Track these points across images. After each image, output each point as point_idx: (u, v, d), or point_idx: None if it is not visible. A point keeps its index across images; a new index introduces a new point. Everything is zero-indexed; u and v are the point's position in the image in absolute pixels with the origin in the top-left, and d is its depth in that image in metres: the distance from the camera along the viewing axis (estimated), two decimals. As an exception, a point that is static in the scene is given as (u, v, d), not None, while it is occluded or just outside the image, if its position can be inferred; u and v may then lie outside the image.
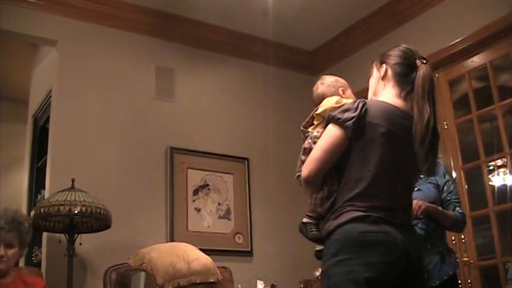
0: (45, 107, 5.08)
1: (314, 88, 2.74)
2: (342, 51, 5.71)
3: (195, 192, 5.01)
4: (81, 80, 4.74)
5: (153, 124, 4.98)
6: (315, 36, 5.75)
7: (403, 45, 2.45)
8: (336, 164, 2.28)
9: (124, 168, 4.73)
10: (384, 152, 2.21)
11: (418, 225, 2.95)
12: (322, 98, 2.63)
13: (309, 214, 2.36)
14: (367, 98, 2.40)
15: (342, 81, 2.73)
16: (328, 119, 2.33)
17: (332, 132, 2.26)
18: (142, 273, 3.72)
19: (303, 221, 2.37)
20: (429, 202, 3.00)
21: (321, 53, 5.98)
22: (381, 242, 2.10)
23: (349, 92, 2.70)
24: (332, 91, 2.66)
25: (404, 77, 2.36)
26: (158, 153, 4.93)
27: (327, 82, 2.72)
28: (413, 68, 2.35)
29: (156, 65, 5.14)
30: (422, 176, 3.03)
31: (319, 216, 2.34)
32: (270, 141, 5.56)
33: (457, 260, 3.23)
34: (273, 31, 5.50)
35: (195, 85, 5.34)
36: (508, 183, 4.94)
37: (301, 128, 2.61)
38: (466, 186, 4.53)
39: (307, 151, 2.39)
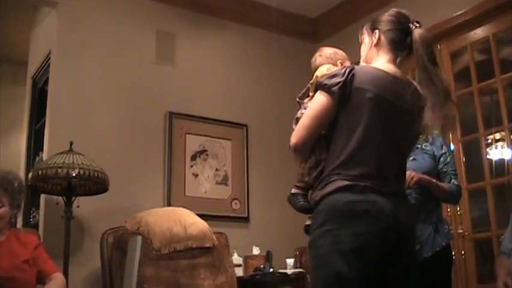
0: (45, 68, 5.05)
1: (312, 60, 2.71)
2: (345, 19, 5.63)
3: (193, 157, 5.02)
4: (80, 42, 4.70)
5: (152, 88, 4.96)
6: (317, 3, 5.70)
7: (394, 10, 2.39)
8: (325, 131, 2.27)
9: (123, 132, 4.73)
10: (371, 117, 2.17)
11: (412, 195, 2.92)
12: (318, 68, 2.61)
13: (297, 184, 2.36)
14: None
15: (340, 53, 2.70)
16: (316, 86, 2.31)
17: (319, 99, 2.24)
18: (139, 237, 3.75)
19: (292, 191, 2.37)
20: (424, 173, 2.97)
21: (323, 20, 5.92)
22: (367, 212, 2.08)
23: (347, 64, 2.66)
24: (330, 63, 2.63)
25: (399, 43, 2.32)
26: (157, 118, 4.93)
27: (325, 54, 2.69)
28: (407, 32, 2.30)
29: (157, 29, 5.10)
30: (419, 145, 3.03)
31: (308, 186, 2.33)
32: (270, 108, 5.55)
33: (451, 231, 3.22)
34: (276, -3, 5.47)
35: (195, 50, 5.30)
36: (506, 157, 4.94)
37: (297, 99, 2.59)
38: (464, 159, 4.54)
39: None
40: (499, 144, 5.77)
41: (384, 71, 2.27)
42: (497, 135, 5.45)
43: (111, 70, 4.79)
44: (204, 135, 5.11)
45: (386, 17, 2.37)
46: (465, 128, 4.62)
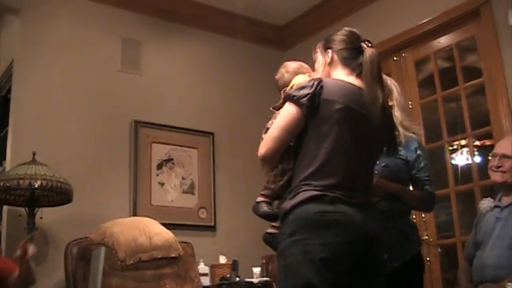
0: (8, 77, 4.97)
1: (278, 76, 2.71)
2: (313, 26, 5.64)
3: (159, 166, 4.98)
4: (44, 50, 4.63)
5: (118, 97, 4.91)
6: (285, 10, 5.71)
7: (346, 29, 2.44)
8: (293, 142, 2.29)
9: (87, 141, 4.67)
10: (340, 128, 2.21)
11: (380, 203, 2.77)
12: (289, 85, 2.62)
13: (262, 193, 2.37)
14: None
15: (306, 66, 2.71)
16: (284, 97, 2.33)
17: (288, 110, 2.26)
18: (103, 248, 3.69)
19: (257, 200, 2.38)
20: (394, 180, 2.85)
21: (291, 28, 5.94)
22: (337, 222, 2.10)
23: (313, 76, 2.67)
24: None
25: (352, 60, 2.36)
26: (123, 127, 4.88)
27: (291, 69, 2.69)
28: (359, 51, 2.34)
29: (122, 37, 5.05)
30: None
31: (273, 194, 2.35)
32: (236, 116, 5.54)
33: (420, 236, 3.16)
34: (243, 5, 5.45)
35: (161, 58, 5.27)
36: (470, 163, 5.01)
37: (271, 109, 2.60)
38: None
39: None
40: (465, 150, 5.85)
41: (351, 83, 2.31)
42: (463, 142, 5.52)
43: (75, 78, 4.73)
44: (170, 144, 5.08)
45: (339, 36, 2.42)
46: (430, 134, 4.66)
